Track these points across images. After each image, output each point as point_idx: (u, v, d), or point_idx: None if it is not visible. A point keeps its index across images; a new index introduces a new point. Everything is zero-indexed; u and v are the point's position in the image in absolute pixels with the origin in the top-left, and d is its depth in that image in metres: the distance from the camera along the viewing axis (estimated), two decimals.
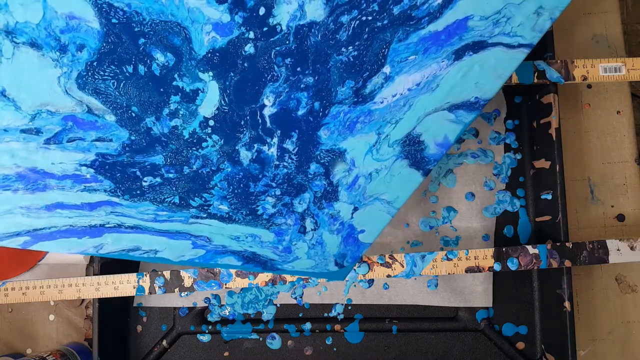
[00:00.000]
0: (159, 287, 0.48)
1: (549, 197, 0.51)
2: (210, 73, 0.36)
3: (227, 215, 0.41)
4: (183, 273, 0.49)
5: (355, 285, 0.54)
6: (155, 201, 0.39)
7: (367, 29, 0.37)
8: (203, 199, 0.40)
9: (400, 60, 0.39)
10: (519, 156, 0.55)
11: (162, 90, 0.36)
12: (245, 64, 0.36)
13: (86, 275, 0.54)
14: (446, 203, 0.55)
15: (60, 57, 0.34)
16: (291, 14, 0.36)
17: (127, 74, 0.35)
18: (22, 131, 0.35)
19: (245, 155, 0.39)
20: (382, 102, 0.40)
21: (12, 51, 0.33)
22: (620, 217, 0.56)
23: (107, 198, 0.39)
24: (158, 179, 0.39)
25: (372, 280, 0.54)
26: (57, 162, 0.36)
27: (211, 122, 0.38)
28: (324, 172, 0.41)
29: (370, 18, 0.37)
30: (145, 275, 0.49)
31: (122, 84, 0.35)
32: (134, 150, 0.37)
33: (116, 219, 0.40)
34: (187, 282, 0.48)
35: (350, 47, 0.38)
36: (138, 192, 0.39)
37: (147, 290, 0.48)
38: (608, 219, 0.56)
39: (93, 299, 0.50)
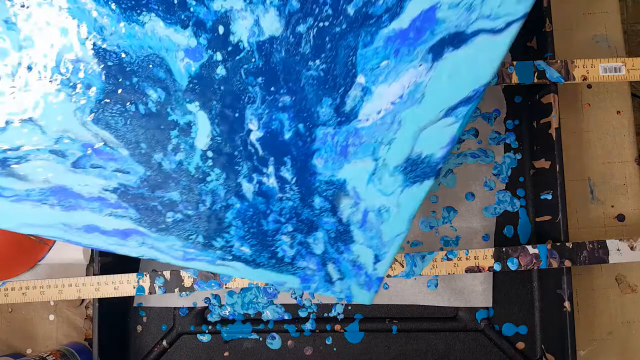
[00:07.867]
0: (159, 287, 0.48)
1: (549, 197, 0.51)
2: (197, 103, 0.37)
3: (251, 259, 0.40)
4: (183, 273, 0.49)
5: None
6: (181, 238, 0.39)
7: (327, 37, 0.35)
8: (224, 240, 0.39)
9: (372, 68, 0.36)
10: (519, 156, 0.55)
11: (162, 127, 0.37)
12: (222, 87, 0.37)
13: (86, 275, 0.54)
14: (446, 203, 0.55)
15: (74, 93, 0.36)
16: (249, 29, 0.36)
17: (132, 112, 0.36)
18: (51, 151, 0.37)
19: (248, 188, 0.39)
20: (367, 120, 0.37)
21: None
22: (620, 217, 0.56)
23: (134, 226, 0.38)
24: (179, 215, 0.39)
25: None
26: (82, 184, 0.38)
27: (209, 154, 0.38)
28: (330, 208, 0.39)
29: (327, 24, 0.35)
30: (145, 275, 0.49)
31: (128, 121, 0.37)
32: (151, 185, 0.38)
33: (150, 253, 0.39)
34: (187, 282, 0.48)
35: (317, 60, 0.36)
36: (163, 226, 0.39)
37: (147, 290, 0.48)
38: (608, 219, 0.56)
39: (93, 299, 0.50)
